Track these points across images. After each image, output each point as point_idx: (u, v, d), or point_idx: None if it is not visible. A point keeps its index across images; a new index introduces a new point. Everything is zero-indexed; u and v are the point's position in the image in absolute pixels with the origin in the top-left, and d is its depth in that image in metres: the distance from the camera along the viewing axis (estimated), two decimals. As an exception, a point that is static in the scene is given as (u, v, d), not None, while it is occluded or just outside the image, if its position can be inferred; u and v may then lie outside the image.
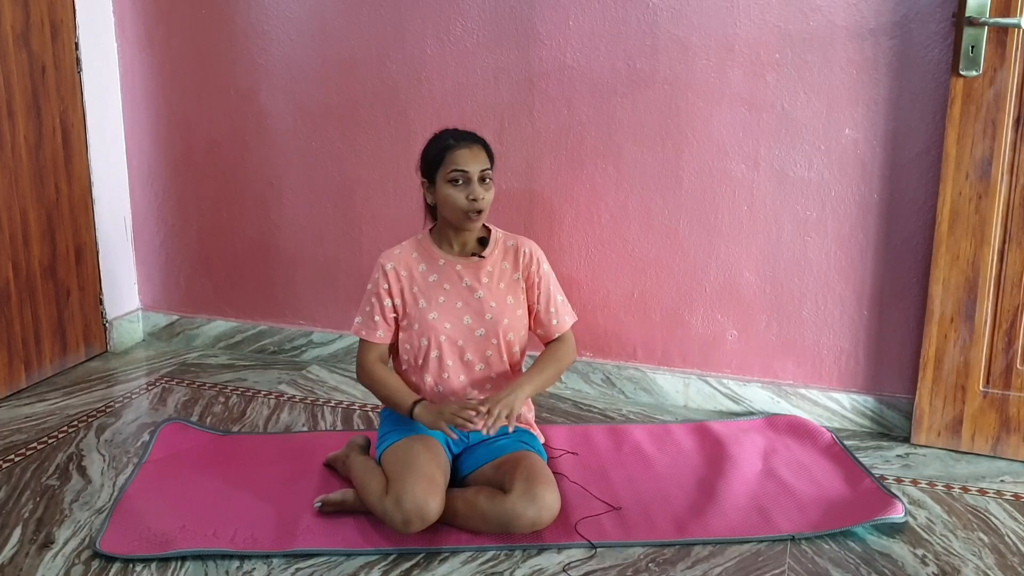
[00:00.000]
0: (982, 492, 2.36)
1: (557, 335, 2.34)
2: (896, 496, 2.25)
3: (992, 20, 2.31)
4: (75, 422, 2.75)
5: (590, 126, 2.83)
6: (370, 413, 2.84)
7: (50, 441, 2.62)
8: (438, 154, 2.21)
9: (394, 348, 2.34)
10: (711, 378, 2.88)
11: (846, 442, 2.61)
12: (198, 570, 2.00)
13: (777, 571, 2.00)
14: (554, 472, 2.29)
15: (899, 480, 2.42)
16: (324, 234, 3.20)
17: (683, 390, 2.91)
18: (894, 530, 2.16)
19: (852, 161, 2.62)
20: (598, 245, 2.91)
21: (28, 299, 3.01)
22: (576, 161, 2.86)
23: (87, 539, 2.11)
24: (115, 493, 2.32)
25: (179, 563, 2.02)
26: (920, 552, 2.08)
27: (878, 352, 2.71)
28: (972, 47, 2.35)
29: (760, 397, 2.83)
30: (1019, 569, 2.02)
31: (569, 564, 2.02)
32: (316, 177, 3.16)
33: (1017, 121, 2.38)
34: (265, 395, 2.98)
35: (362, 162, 3.09)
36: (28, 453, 2.55)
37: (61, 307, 3.15)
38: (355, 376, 2.36)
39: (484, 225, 2.33)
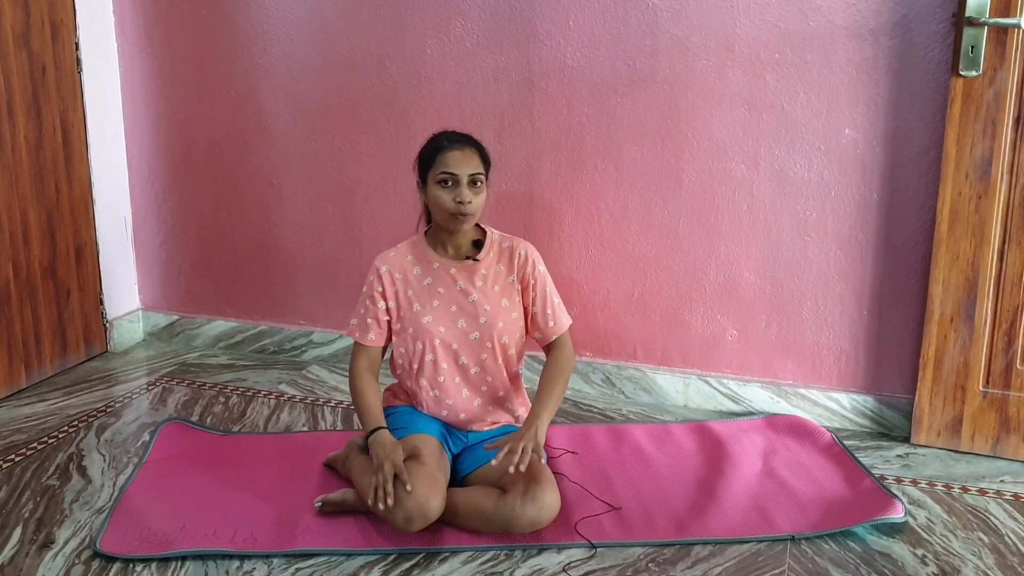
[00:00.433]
0: (982, 492, 2.36)
1: (554, 337, 2.33)
2: (896, 496, 2.25)
3: (992, 20, 2.31)
4: (75, 422, 2.75)
5: (590, 126, 2.83)
6: (370, 413, 2.84)
7: (50, 441, 2.62)
8: (430, 155, 2.22)
9: (390, 352, 2.35)
10: (711, 378, 2.88)
11: (846, 442, 2.61)
12: (198, 570, 2.00)
13: (777, 571, 2.00)
14: (554, 472, 2.29)
15: (899, 480, 2.42)
16: (324, 234, 3.20)
17: (683, 390, 2.91)
18: (894, 530, 2.16)
19: (852, 161, 2.62)
20: (598, 245, 2.91)
21: (28, 299, 3.01)
22: (576, 161, 2.86)
23: (87, 539, 2.11)
24: (115, 493, 2.32)
25: (179, 563, 2.02)
26: (920, 552, 2.08)
27: (878, 352, 2.72)
28: (972, 47, 2.35)
29: (760, 397, 2.83)
30: (1019, 569, 2.02)
31: (569, 564, 2.02)
32: (316, 177, 3.16)
33: (1017, 121, 2.38)
34: (265, 395, 2.98)
35: (362, 162, 3.09)
36: (28, 453, 2.55)
37: (61, 307, 3.15)
38: None
39: (480, 227, 2.33)
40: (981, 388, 2.53)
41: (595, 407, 2.90)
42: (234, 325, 3.39)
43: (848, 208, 2.65)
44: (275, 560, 2.03)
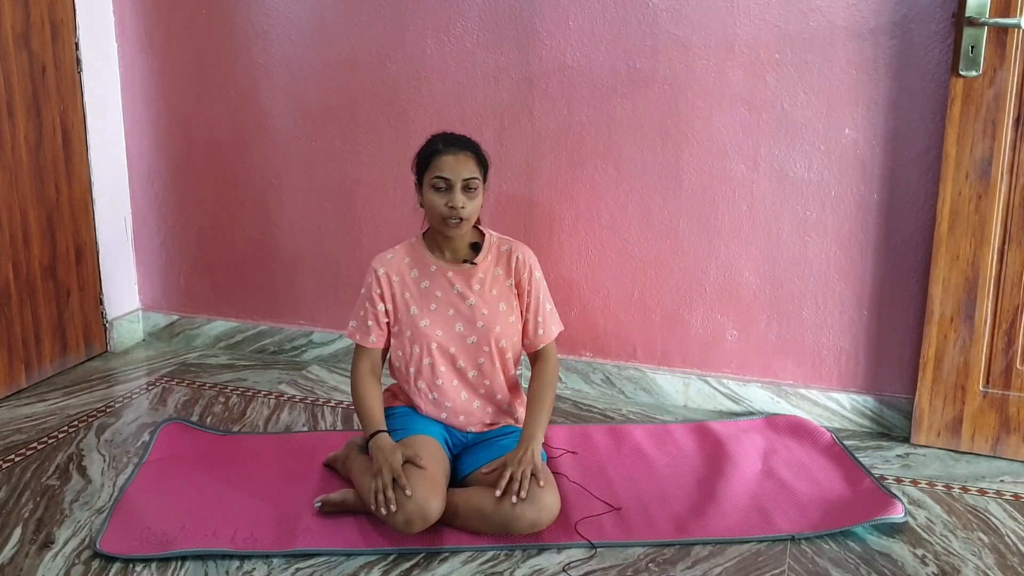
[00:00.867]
0: (982, 492, 2.36)
1: (541, 345, 2.33)
2: (896, 496, 2.25)
3: (992, 20, 2.31)
4: (75, 422, 2.75)
5: (590, 126, 2.83)
6: (370, 413, 2.84)
7: (50, 441, 2.62)
8: (426, 158, 2.22)
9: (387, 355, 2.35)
10: (711, 378, 2.88)
11: (846, 442, 2.61)
12: (198, 570, 2.00)
13: (777, 571, 2.00)
14: (554, 472, 2.29)
15: (899, 480, 2.42)
16: (324, 234, 3.20)
17: (683, 390, 2.91)
18: (894, 530, 2.16)
19: (852, 161, 2.62)
20: (598, 245, 2.91)
21: (28, 299, 3.01)
22: (576, 161, 2.86)
23: (87, 539, 2.11)
24: (115, 493, 2.32)
25: (179, 563, 2.02)
26: (920, 552, 2.08)
27: (878, 352, 2.72)
28: (972, 47, 2.35)
29: (760, 397, 2.83)
30: (1019, 569, 2.02)
31: (569, 564, 2.02)
32: (316, 177, 3.16)
33: (1017, 121, 2.38)
34: (265, 395, 2.98)
35: (362, 162, 3.09)
36: (28, 453, 2.55)
37: (61, 307, 3.15)
38: None
39: (478, 229, 2.33)
40: (981, 388, 2.53)
41: (595, 407, 2.90)
42: (234, 325, 3.39)
43: (848, 208, 2.65)
44: (275, 560, 2.03)
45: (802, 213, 2.70)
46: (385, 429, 2.19)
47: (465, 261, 2.28)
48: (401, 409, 2.32)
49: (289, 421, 2.79)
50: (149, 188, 3.38)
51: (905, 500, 2.29)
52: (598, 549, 2.08)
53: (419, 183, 2.25)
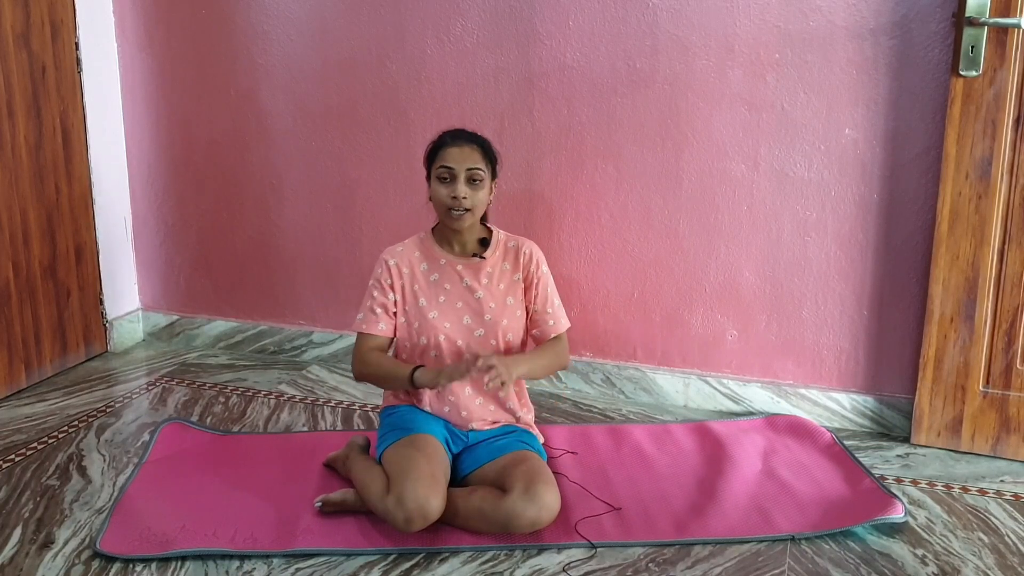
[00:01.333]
0: (982, 492, 2.36)
1: (553, 336, 2.35)
2: (896, 496, 2.25)
3: (992, 20, 2.31)
4: (75, 422, 2.75)
5: (590, 126, 2.83)
6: (370, 413, 2.84)
7: (50, 441, 2.62)
8: (433, 151, 2.25)
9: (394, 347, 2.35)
10: (711, 378, 2.88)
11: (846, 442, 2.61)
12: (198, 570, 2.00)
13: (777, 571, 2.00)
14: (554, 472, 2.29)
15: (899, 480, 2.42)
16: (324, 234, 3.20)
17: (683, 390, 2.91)
18: (894, 530, 2.16)
19: (852, 161, 2.62)
20: (598, 245, 2.91)
21: (28, 299, 3.01)
22: (576, 161, 2.86)
23: (87, 539, 2.11)
24: (115, 493, 2.32)
25: (179, 563, 2.02)
26: (920, 552, 2.08)
27: (878, 352, 2.72)
28: (972, 47, 2.35)
29: (760, 397, 2.83)
30: (1019, 569, 2.02)
31: (569, 564, 2.02)
32: (316, 177, 3.16)
33: (1017, 121, 2.38)
34: (265, 395, 2.98)
35: (362, 162, 3.09)
36: (28, 453, 2.55)
37: (61, 307, 3.15)
38: (353, 376, 2.34)
39: (486, 226, 2.34)
40: (981, 388, 2.53)
41: (595, 407, 2.90)
42: (234, 325, 3.39)
43: (848, 208, 2.65)
44: (275, 560, 2.03)
45: (802, 213, 2.70)
46: (418, 364, 2.20)
47: (474, 255, 2.28)
48: (402, 408, 2.32)
49: (289, 421, 2.79)
50: (149, 188, 3.38)
51: (905, 500, 2.29)
52: (598, 549, 2.08)
53: (428, 178, 2.26)
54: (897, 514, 2.15)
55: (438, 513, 2.04)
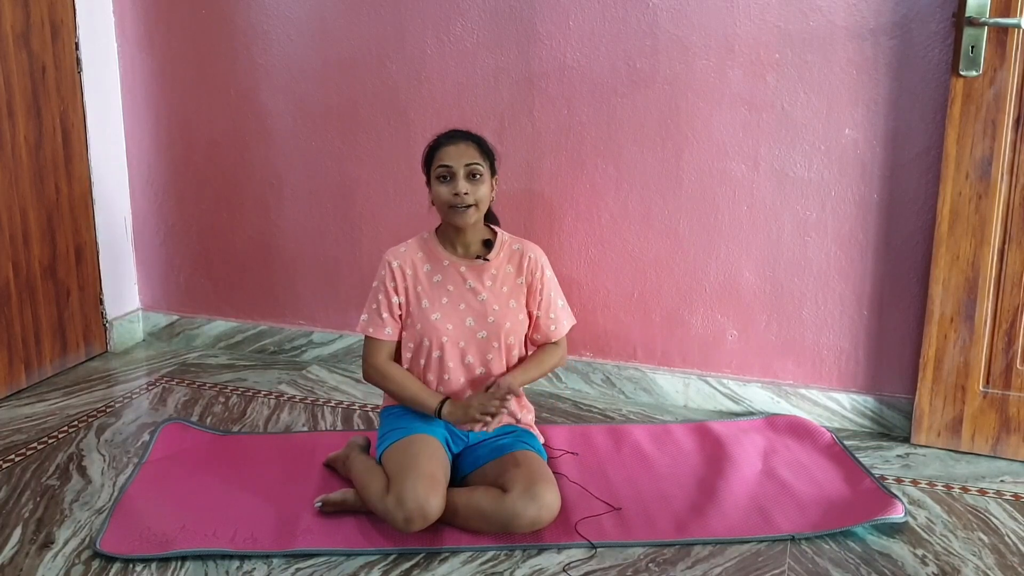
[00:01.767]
0: (982, 492, 2.36)
1: (554, 340, 2.36)
2: (896, 496, 2.25)
3: (992, 20, 2.31)
4: (75, 422, 2.75)
5: (590, 126, 2.83)
6: (370, 413, 2.84)
7: (50, 441, 2.62)
8: (430, 153, 2.26)
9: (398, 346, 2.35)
10: (711, 378, 2.88)
11: (846, 442, 2.61)
12: (198, 570, 2.00)
13: (777, 571, 2.00)
14: (554, 472, 2.29)
15: (899, 480, 2.42)
16: (324, 234, 3.20)
17: (683, 390, 2.91)
18: (894, 530, 2.16)
19: (852, 161, 2.62)
20: (598, 245, 2.91)
21: (28, 299, 3.01)
22: (576, 161, 2.86)
23: (87, 539, 2.11)
24: (115, 493, 2.32)
25: (179, 563, 2.02)
26: (920, 552, 2.08)
27: (878, 352, 2.72)
28: (972, 47, 2.35)
29: (760, 397, 2.83)
30: (1019, 569, 2.02)
31: (569, 564, 2.02)
32: (316, 177, 3.16)
33: (1017, 121, 2.38)
34: (265, 395, 2.98)
35: (362, 162, 3.09)
36: (28, 453, 2.55)
37: (61, 307, 3.15)
38: (359, 375, 2.36)
39: (490, 227, 2.34)
40: (981, 388, 2.53)
41: (595, 407, 2.90)
42: (234, 325, 3.39)
43: (848, 208, 2.65)
44: (275, 560, 2.03)
45: (802, 213, 2.70)
46: (446, 396, 2.23)
47: (478, 257, 2.28)
48: (401, 408, 2.32)
49: (289, 421, 2.79)
50: (149, 188, 3.38)
51: (905, 500, 2.29)
52: (598, 549, 2.08)
53: (428, 182, 2.26)
54: (897, 514, 2.15)
55: (438, 513, 2.04)
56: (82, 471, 2.44)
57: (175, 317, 3.46)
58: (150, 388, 3.05)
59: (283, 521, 2.17)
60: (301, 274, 3.27)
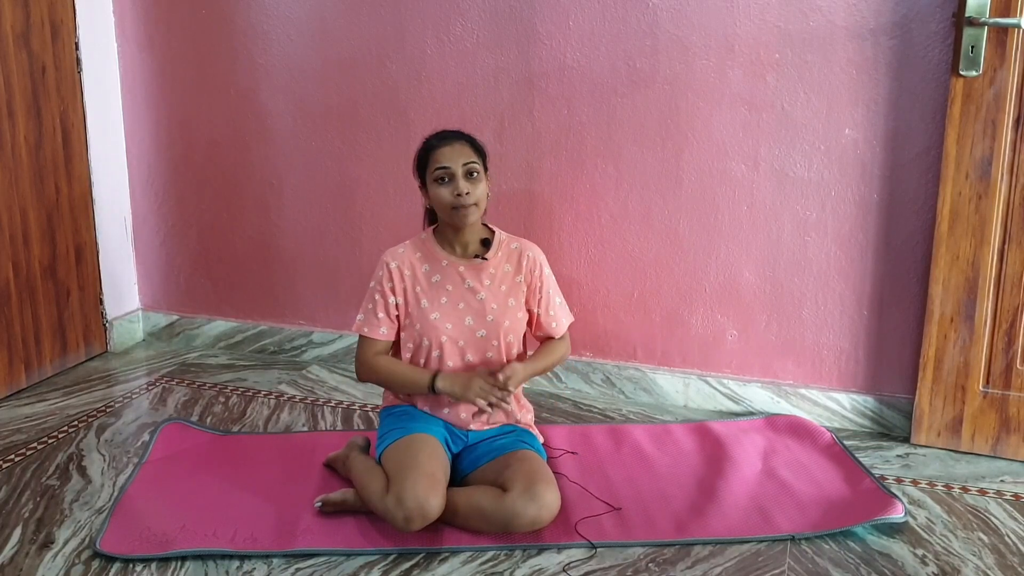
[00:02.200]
0: (982, 492, 2.36)
1: (556, 337, 2.37)
2: (896, 496, 2.25)
3: (992, 20, 2.31)
4: (75, 422, 2.75)
5: (590, 126, 2.83)
6: (370, 413, 2.84)
7: (50, 441, 2.62)
8: (424, 156, 2.25)
9: (396, 347, 2.35)
10: (711, 378, 2.88)
11: (846, 442, 2.61)
12: (198, 570, 2.00)
13: (777, 571, 2.00)
14: (554, 472, 2.29)
15: (899, 480, 2.42)
16: (324, 234, 3.20)
17: (683, 390, 2.91)
18: (894, 530, 2.16)
19: (852, 161, 2.62)
20: (598, 245, 2.91)
21: (28, 299, 3.01)
22: (576, 161, 2.86)
23: (87, 539, 2.11)
24: (115, 493, 2.32)
25: (179, 563, 2.02)
26: (920, 552, 2.08)
27: (878, 352, 2.71)
28: (972, 47, 2.35)
29: (760, 397, 2.83)
30: (1019, 569, 2.02)
31: (569, 564, 2.02)
32: (316, 177, 3.16)
33: (1017, 121, 2.38)
34: (265, 395, 2.98)
35: (362, 162, 3.10)
36: (28, 453, 2.55)
37: (61, 307, 3.15)
38: (355, 376, 2.36)
39: (488, 227, 2.34)
40: (981, 388, 2.53)
41: (595, 407, 2.90)
42: (234, 325, 3.39)
43: (848, 208, 2.65)
44: (275, 560, 2.03)
45: (802, 213, 2.70)
46: (436, 370, 2.24)
47: (476, 256, 2.29)
48: (401, 408, 2.32)
49: (289, 421, 2.79)
50: (149, 188, 3.38)
51: (905, 500, 2.29)
52: (598, 549, 2.08)
53: (423, 185, 2.26)
54: (897, 514, 2.15)
55: (438, 512, 2.04)
56: (82, 471, 2.44)
57: (175, 317, 3.46)
58: (150, 388, 3.05)
59: (283, 521, 2.17)
60: (301, 274, 3.27)
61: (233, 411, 2.86)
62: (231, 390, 3.02)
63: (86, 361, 3.27)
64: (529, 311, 2.34)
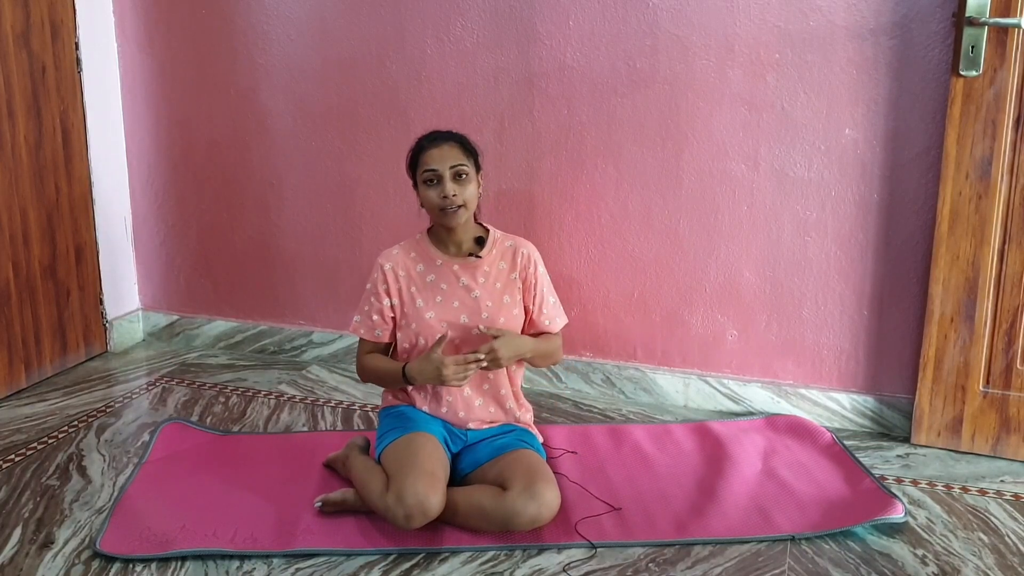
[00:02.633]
0: (982, 492, 2.36)
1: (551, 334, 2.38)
2: (896, 496, 2.25)
3: (992, 20, 2.31)
4: (75, 422, 2.75)
5: (590, 126, 2.83)
6: (370, 413, 2.84)
7: (50, 441, 2.62)
8: (414, 158, 2.28)
9: (393, 347, 2.36)
10: (711, 378, 2.88)
11: (846, 442, 2.61)
12: (198, 570, 2.00)
13: (777, 571, 2.00)
14: (554, 472, 2.29)
15: (899, 480, 2.42)
16: (324, 234, 3.20)
17: (683, 390, 2.91)
18: (894, 530, 2.16)
19: (852, 161, 2.62)
20: (598, 245, 2.91)
21: (28, 299, 3.01)
22: (576, 161, 2.86)
23: (87, 539, 2.11)
24: (115, 493, 2.32)
25: (179, 563, 2.02)
26: (920, 552, 2.08)
27: (878, 352, 2.71)
28: (972, 47, 2.35)
29: (760, 397, 2.83)
30: (1019, 569, 2.02)
31: (569, 564, 2.02)
32: (316, 177, 3.16)
33: (1017, 121, 2.38)
34: (265, 395, 2.98)
35: (362, 162, 3.09)
36: (28, 453, 2.55)
37: (61, 307, 3.15)
38: (356, 377, 2.38)
39: (482, 225, 2.35)
40: (981, 388, 2.53)
41: (595, 407, 2.90)
42: (234, 325, 3.39)
43: (848, 208, 2.65)
44: (275, 560, 2.03)
45: (802, 213, 2.70)
46: (406, 361, 2.25)
47: (470, 255, 2.29)
48: (401, 408, 2.32)
49: (289, 421, 2.79)
50: (149, 188, 3.38)
51: (905, 500, 2.29)
52: (598, 549, 2.08)
53: (416, 186, 2.27)
54: (897, 514, 2.15)
55: (438, 510, 2.04)
56: (82, 471, 2.44)
57: (175, 317, 3.46)
58: (150, 388, 3.05)
59: (283, 521, 2.17)
60: (301, 274, 3.27)
61: (233, 411, 2.86)
62: (231, 390, 3.02)
63: (86, 361, 3.27)
64: (525, 308, 2.34)
